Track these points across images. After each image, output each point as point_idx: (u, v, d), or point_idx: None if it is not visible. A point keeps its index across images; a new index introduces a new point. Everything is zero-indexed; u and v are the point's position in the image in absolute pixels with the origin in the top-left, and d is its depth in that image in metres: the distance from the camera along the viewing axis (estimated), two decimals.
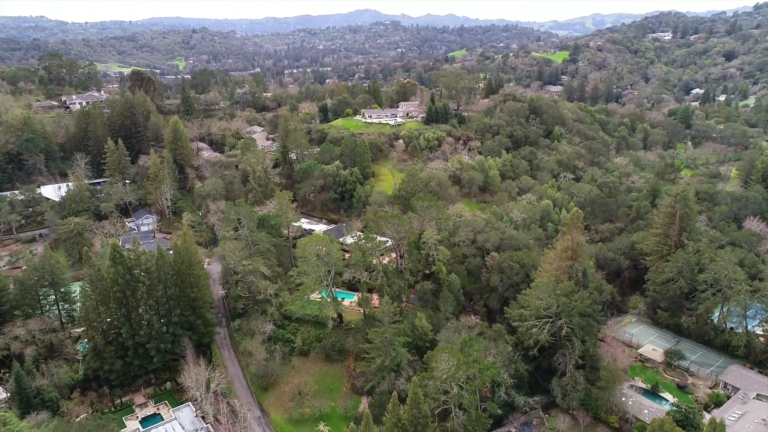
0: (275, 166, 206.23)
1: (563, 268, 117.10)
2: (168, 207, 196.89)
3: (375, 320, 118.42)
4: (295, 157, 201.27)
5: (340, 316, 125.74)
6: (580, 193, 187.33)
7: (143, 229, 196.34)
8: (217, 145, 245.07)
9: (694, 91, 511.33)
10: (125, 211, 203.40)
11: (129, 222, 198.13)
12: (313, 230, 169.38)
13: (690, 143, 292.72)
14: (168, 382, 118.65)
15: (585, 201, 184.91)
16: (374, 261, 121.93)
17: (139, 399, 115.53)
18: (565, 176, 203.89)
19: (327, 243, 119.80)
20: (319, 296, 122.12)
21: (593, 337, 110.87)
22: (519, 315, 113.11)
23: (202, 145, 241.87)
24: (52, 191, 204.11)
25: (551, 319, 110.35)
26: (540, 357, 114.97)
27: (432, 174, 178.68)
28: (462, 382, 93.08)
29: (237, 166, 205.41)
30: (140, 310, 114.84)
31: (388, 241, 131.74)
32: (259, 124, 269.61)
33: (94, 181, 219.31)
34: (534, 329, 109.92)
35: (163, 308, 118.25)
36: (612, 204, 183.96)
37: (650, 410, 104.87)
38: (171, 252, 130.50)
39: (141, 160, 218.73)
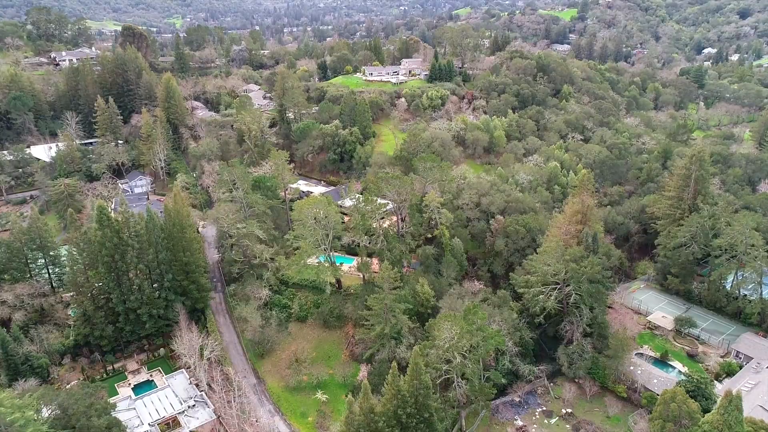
0: (272, 125, 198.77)
1: (572, 232, 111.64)
2: (162, 168, 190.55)
3: (375, 286, 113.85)
4: (292, 117, 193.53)
5: (338, 281, 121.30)
6: (588, 155, 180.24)
7: (137, 191, 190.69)
8: (212, 104, 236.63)
9: (706, 51, 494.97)
10: (118, 172, 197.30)
11: (122, 183, 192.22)
12: (311, 192, 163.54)
13: (702, 104, 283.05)
14: (161, 348, 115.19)
15: (594, 163, 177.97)
16: (374, 224, 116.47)
17: (132, 365, 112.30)
18: (573, 137, 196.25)
19: (325, 205, 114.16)
20: (317, 261, 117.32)
21: (602, 305, 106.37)
22: (525, 281, 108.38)
23: (196, 104, 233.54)
24: (42, 151, 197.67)
25: (558, 286, 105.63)
26: (546, 324, 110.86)
27: (435, 134, 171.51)
28: (465, 351, 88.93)
29: (232, 126, 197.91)
30: (130, 275, 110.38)
31: (388, 203, 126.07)
32: (256, 83, 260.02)
33: (86, 141, 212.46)
34: (540, 296, 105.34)
35: (154, 273, 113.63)
36: (622, 166, 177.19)
37: (660, 380, 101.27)
38: (163, 214, 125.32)
39: (134, 120, 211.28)
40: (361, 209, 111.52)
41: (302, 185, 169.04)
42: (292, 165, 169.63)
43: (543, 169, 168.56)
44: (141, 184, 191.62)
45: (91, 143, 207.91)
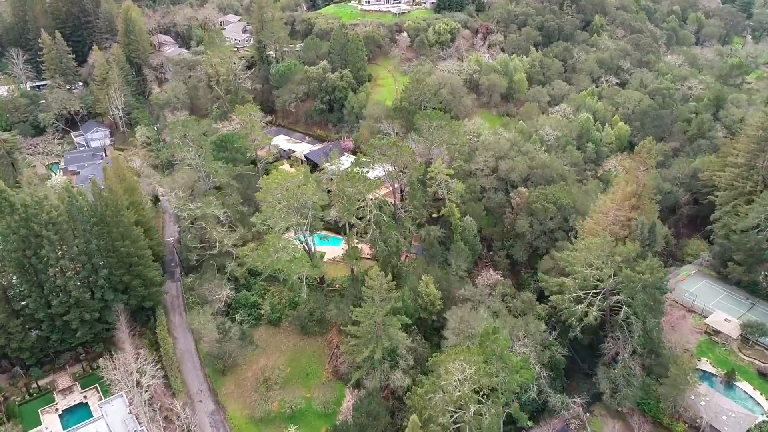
0: (250, 66, 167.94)
1: (621, 220, 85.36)
2: (120, 118, 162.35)
3: (365, 284, 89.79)
4: (274, 56, 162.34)
5: (320, 277, 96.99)
6: (627, 104, 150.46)
7: (93, 145, 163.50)
8: (183, 39, 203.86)
9: None
10: (73, 122, 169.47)
11: (76, 137, 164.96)
12: (294, 152, 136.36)
13: (749, 37, 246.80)
14: (100, 359, 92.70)
15: (633, 113, 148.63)
16: (366, 199, 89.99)
17: (63, 381, 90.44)
18: (607, 81, 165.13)
19: (299, 182, 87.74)
20: (294, 239, 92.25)
21: (658, 316, 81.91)
22: (558, 285, 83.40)
23: (165, 38, 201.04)
24: None
25: (602, 291, 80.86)
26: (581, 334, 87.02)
27: (443, 78, 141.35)
28: (482, 396, 65.66)
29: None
30: (51, 273, 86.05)
31: (380, 176, 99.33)
32: (236, 12, 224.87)
33: (39, 84, 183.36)
34: (579, 305, 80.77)
35: (84, 269, 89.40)
36: (666, 117, 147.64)
37: (731, 416, 78.45)
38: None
39: (91, 59, 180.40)
40: (346, 191, 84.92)
41: (283, 142, 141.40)
42: (271, 117, 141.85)
43: (572, 123, 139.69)
44: (98, 137, 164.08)
45: (41, 87, 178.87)
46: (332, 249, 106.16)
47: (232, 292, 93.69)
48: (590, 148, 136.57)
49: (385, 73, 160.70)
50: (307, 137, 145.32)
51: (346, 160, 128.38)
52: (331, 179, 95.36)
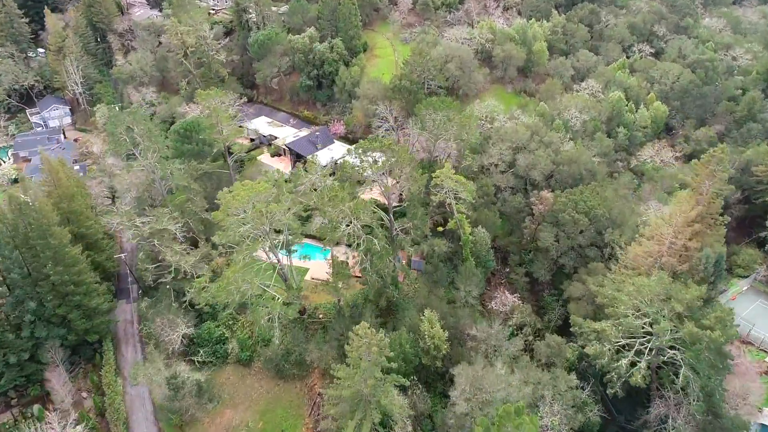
0: (229, 32, 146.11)
1: (678, 248, 66.85)
2: (80, 94, 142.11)
3: (352, 316, 72.90)
4: (255, 20, 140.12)
5: (301, 309, 79.72)
6: (663, 79, 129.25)
7: (52, 124, 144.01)
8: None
9: None
10: (29, 98, 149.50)
11: (32, 115, 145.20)
12: (276, 138, 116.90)
13: None
14: (35, 405, 77.02)
15: (671, 91, 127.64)
16: (353, 222, 71.29)
17: None
18: (640, 50, 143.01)
19: (270, 196, 69.17)
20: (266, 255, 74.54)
21: (722, 373, 64.61)
22: (597, 332, 65.75)
23: None
24: None
25: (655, 349, 63.35)
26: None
27: (450, 49, 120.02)
28: None
29: None
30: None
31: (369, 189, 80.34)
32: None
33: None
34: (622, 359, 63.49)
35: (6, 303, 72.51)
36: (710, 95, 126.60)
37: None
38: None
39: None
40: (327, 212, 66.27)
41: (263, 125, 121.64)
42: (244, 100, 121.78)
43: (602, 103, 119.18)
44: (56, 115, 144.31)
45: None
46: (316, 264, 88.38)
47: (191, 330, 76.58)
48: (622, 134, 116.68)
49: (383, 42, 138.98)
50: (291, 119, 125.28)
51: (337, 149, 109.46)
52: (314, 189, 76.29)
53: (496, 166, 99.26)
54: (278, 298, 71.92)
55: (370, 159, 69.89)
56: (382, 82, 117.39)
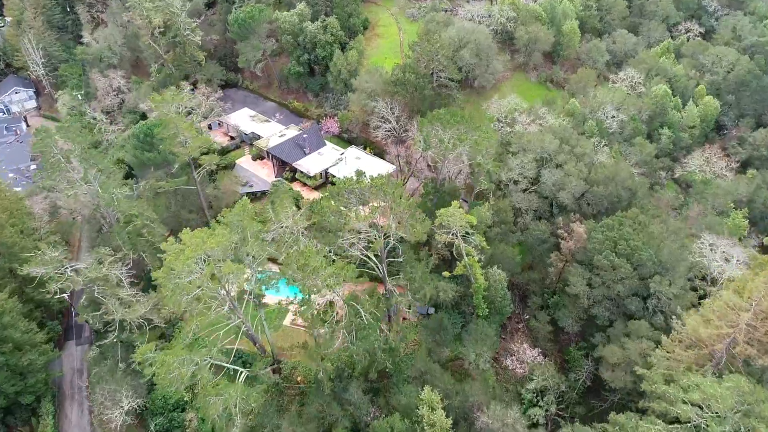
0: (210, 5, 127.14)
1: (759, 337, 50.58)
2: (44, 75, 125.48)
3: (335, 391, 58.85)
4: None
5: (275, 366, 65.54)
6: (716, 66, 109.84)
7: (14, 109, 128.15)
8: None
9: None
10: None
11: None
12: (258, 137, 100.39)
13: None
14: None
15: (724, 81, 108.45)
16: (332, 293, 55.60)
17: None
18: (687, 30, 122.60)
19: (229, 246, 53.75)
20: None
21: None
22: None
23: None
24: None
25: None
26: None
27: (465, 31, 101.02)
28: None
29: None
30: None
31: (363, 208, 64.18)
32: None
33: None
34: None
35: None
36: None
37: None
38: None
39: None
40: (300, 281, 50.82)
41: (246, 120, 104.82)
42: (220, 93, 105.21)
43: (643, 98, 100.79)
44: (18, 99, 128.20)
45: None
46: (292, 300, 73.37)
47: (139, 401, 62.89)
48: (665, 137, 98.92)
49: (387, 19, 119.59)
50: (278, 113, 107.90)
51: (328, 154, 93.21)
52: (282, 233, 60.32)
53: (516, 182, 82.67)
54: (240, 375, 57.59)
55: (354, 209, 53.84)
56: (384, 71, 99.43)
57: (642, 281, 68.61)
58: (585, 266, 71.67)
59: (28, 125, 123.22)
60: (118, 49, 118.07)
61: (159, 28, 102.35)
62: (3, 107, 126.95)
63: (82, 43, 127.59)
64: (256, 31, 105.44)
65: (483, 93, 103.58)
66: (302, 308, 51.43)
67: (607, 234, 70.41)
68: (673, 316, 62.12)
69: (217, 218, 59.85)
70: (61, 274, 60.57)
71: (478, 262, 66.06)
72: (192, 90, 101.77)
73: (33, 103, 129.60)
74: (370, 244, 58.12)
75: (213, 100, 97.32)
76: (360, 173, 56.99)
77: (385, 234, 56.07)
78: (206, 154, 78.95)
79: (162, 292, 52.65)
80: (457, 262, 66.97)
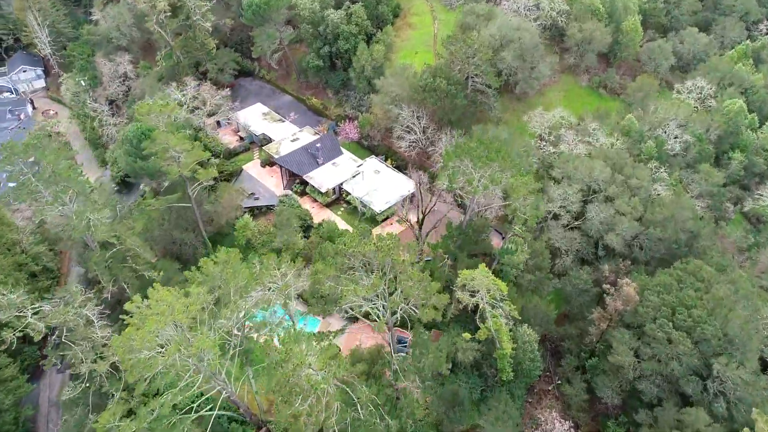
0: None
1: None
2: (51, 54, 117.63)
3: None
4: None
5: (263, 428, 57.16)
6: None
7: (21, 89, 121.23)
8: None
9: None
10: None
11: (0, 76, 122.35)
12: (270, 140, 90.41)
13: None
14: None
15: None
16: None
17: None
18: None
19: (202, 305, 44.72)
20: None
21: None
22: None
23: None
24: None
25: None
26: None
27: (509, 27, 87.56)
28: None
29: None
30: None
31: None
32: None
33: None
34: None
35: None
36: None
37: None
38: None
39: None
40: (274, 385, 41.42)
41: (257, 119, 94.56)
42: (227, 92, 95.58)
43: (713, 115, 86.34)
44: (27, 78, 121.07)
45: None
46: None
47: None
48: (736, 161, 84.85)
49: (421, 5, 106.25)
50: (293, 113, 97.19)
51: (344, 165, 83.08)
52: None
53: (557, 217, 71.11)
54: None
55: (354, 285, 43.58)
56: (412, 71, 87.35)
57: (703, 358, 57.09)
58: (633, 331, 60.46)
59: (34, 107, 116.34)
60: (127, 29, 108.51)
61: (165, 12, 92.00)
62: (11, 87, 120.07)
63: (92, 21, 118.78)
64: (272, 18, 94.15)
65: (525, 100, 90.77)
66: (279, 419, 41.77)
67: (664, 298, 58.76)
68: (739, 405, 50.96)
69: (198, 265, 50.66)
70: (22, 319, 52.81)
71: (506, 326, 55.56)
72: (200, 82, 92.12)
73: (41, 83, 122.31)
74: (374, 306, 48.17)
75: (219, 98, 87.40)
76: (366, 231, 46.70)
77: (392, 311, 46.05)
78: (205, 163, 70.12)
79: (123, 365, 44.22)
80: (481, 322, 56.72)
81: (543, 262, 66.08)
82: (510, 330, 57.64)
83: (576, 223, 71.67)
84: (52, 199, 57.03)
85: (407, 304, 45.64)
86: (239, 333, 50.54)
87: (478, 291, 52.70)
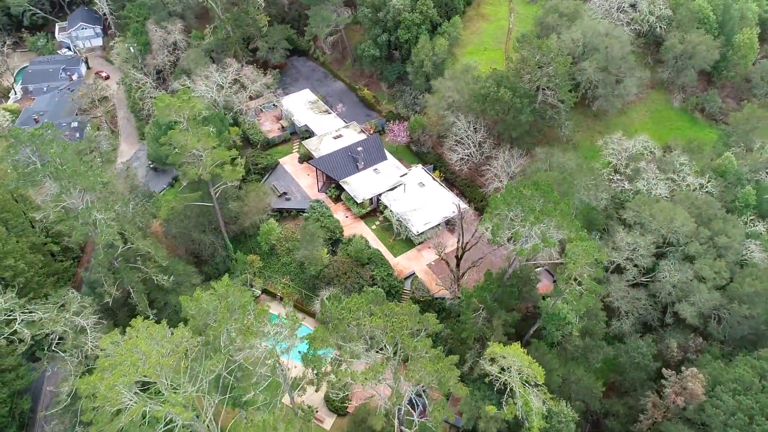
0: None
1: None
2: (108, 14, 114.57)
3: None
4: None
5: None
6: None
7: (80, 46, 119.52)
8: None
9: None
10: (60, 9, 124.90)
11: (61, 32, 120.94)
12: (312, 134, 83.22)
13: None
14: None
15: None
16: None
17: None
18: None
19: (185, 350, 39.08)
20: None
21: None
22: None
23: None
24: None
25: None
26: None
27: (595, 33, 74.93)
28: None
29: None
30: None
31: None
32: None
33: None
34: None
35: None
36: None
37: None
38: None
39: None
40: None
41: (302, 108, 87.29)
42: (271, 75, 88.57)
43: None
44: (85, 36, 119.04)
45: None
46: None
47: None
48: None
49: None
50: (341, 104, 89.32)
51: (387, 172, 75.28)
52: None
53: (621, 270, 60.57)
54: None
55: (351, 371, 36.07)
56: (475, 72, 76.95)
57: None
58: (695, 430, 50.26)
59: (89, 67, 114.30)
60: None
61: None
62: (69, 43, 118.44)
63: None
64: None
65: (602, 118, 78.65)
66: None
67: (741, 400, 48.02)
68: None
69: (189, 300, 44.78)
70: (9, 323, 49.26)
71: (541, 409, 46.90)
72: (242, 65, 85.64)
73: (99, 42, 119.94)
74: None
75: (260, 85, 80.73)
76: (375, 294, 38.82)
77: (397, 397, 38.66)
78: (232, 162, 63.82)
79: (84, 415, 39.30)
80: (509, 397, 48.32)
81: (596, 326, 56.35)
82: (544, 406, 49.05)
83: (643, 279, 60.90)
84: (57, 192, 52.70)
85: (417, 385, 38.04)
86: (230, 377, 44.87)
87: (510, 368, 44.26)
